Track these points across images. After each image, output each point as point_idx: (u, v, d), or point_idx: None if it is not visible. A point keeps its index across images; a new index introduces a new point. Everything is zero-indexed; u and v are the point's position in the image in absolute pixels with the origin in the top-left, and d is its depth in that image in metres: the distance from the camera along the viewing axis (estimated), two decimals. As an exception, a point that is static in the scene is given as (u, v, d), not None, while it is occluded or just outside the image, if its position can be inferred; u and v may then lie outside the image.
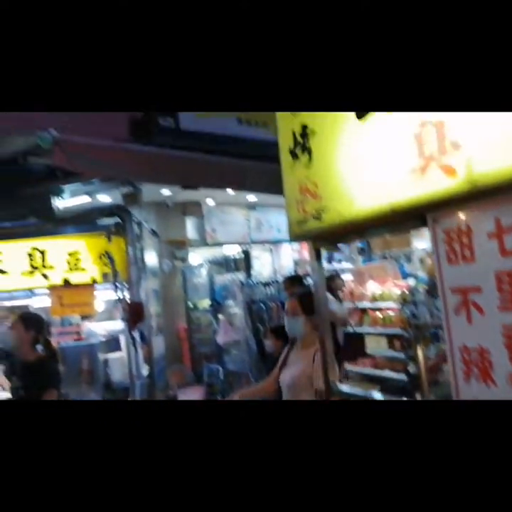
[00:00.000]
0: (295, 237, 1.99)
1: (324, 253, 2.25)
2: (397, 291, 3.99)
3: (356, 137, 1.52)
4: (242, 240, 7.09)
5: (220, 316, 5.66)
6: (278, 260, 7.75)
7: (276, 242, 7.60)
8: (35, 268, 3.76)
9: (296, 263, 7.79)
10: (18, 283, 3.78)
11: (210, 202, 6.58)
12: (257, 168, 4.15)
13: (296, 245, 7.66)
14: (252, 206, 7.16)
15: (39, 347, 3.08)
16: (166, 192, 6.03)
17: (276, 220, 7.21)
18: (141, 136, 5.79)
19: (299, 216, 1.84)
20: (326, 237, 1.88)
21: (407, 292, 3.54)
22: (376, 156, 1.44)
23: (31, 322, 3.11)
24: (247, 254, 6.49)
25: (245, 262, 6.37)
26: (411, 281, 3.84)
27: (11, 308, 5.13)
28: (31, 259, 3.75)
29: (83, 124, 6.49)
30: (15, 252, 3.74)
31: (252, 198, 6.62)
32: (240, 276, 5.95)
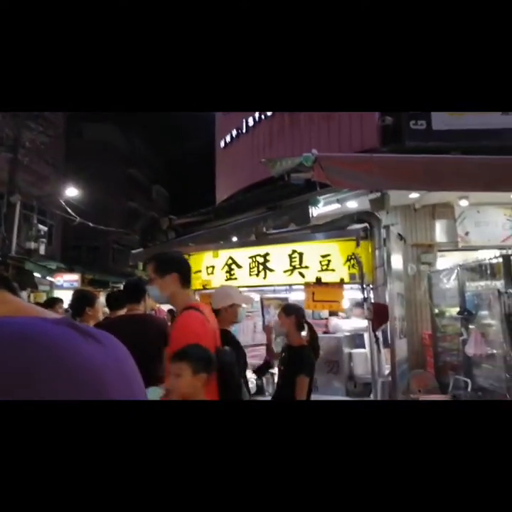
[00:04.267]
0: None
1: None
2: None
3: None
4: (502, 243, 6.33)
5: (471, 326, 5.24)
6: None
7: (547, 247, 6.44)
8: (294, 267, 4.41)
9: None
10: (280, 279, 4.53)
11: (463, 203, 6.15)
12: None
13: None
14: (515, 204, 6.30)
15: (303, 333, 3.61)
16: (413, 195, 5.97)
17: (548, 220, 6.12)
18: (392, 142, 5.89)
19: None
20: None
21: None
22: None
23: (292, 309, 3.70)
24: (507, 259, 5.76)
25: (505, 268, 5.65)
26: None
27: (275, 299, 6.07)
28: (291, 260, 4.42)
29: (335, 139, 7.09)
30: (279, 254, 4.49)
31: (515, 195, 5.82)
32: (498, 283, 5.35)
